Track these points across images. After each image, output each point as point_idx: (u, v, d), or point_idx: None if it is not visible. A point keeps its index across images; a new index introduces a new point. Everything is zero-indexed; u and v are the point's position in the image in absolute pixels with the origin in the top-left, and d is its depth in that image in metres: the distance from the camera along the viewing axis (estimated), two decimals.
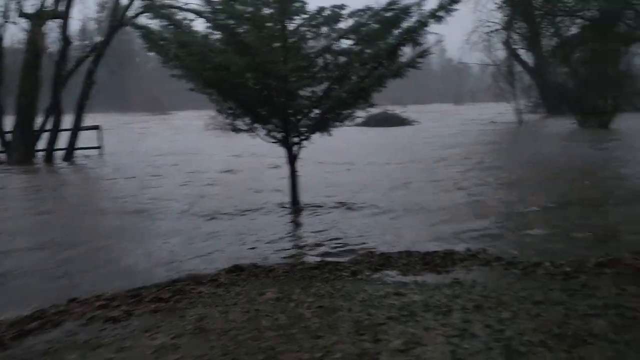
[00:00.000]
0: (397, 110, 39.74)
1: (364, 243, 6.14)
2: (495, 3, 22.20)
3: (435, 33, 7.69)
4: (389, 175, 11.89)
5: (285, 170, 8.29)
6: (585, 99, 25.50)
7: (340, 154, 16.08)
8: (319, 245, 6.22)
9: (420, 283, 4.60)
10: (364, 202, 8.54)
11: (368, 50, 7.70)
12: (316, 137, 8.32)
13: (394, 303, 4.03)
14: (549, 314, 3.73)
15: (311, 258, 5.58)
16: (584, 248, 5.76)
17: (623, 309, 3.78)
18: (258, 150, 8.64)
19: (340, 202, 8.47)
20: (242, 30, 6.88)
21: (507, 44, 34.54)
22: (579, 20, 16.61)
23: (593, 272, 4.70)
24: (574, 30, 17.19)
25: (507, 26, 26.62)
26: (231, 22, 6.70)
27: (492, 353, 3.13)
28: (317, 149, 9.74)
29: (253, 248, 6.09)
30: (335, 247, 6.06)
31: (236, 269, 5.00)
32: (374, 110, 34.88)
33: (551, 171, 12.27)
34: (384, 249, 5.71)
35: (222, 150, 16.95)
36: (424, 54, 7.54)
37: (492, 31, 32.30)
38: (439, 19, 7.38)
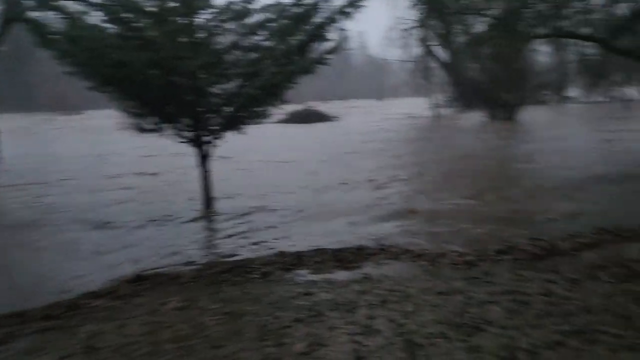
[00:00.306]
0: (321, 106, 40.11)
1: (277, 243, 6.04)
2: (410, 0, 22.83)
3: (345, 29, 7.71)
4: (304, 173, 11.83)
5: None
6: (494, 94, 26.96)
7: (259, 152, 15.88)
8: (230, 248, 6.05)
9: (331, 281, 4.57)
10: (278, 202, 8.45)
11: (280, 47, 7.59)
12: (235, 135, 8.10)
13: (302, 303, 3.97)
14: (450, 304, 3.82)
15: (222, 262, 5.39)
16: (488, 236, 6.00)
17: (517, 294, 3.96)
18: (179, 149, 8.21)
19: (254, 204, 8.34)
20: (141, 25, 6.52)
21: (422, 40, 35.82)
22: (485, 19, 17.43)
23: (493, 259, 4.91)
24: (481, 28, 18.04)
25: (422, 23, 27.55)
26: (129, 15, 6.32)
27: (393, 348, 3.15)
28: (233, 147, 9.51)
29: (161, 256, 5.79)
30: (248, 249, 5.91)
31: (138, 279, 4.72)
32: (296, 107, 34.94)
33: (463, 163, 12.80)
34: (297, 248, 5.63)
35: (138, 152, 16.14)
36: (333, 50, 7.55)
37: (408, 28, 33.33)
38: (347, 16, 7.42)
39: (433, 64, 37.51)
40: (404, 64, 38.53)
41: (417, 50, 37.64)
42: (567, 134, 18.21)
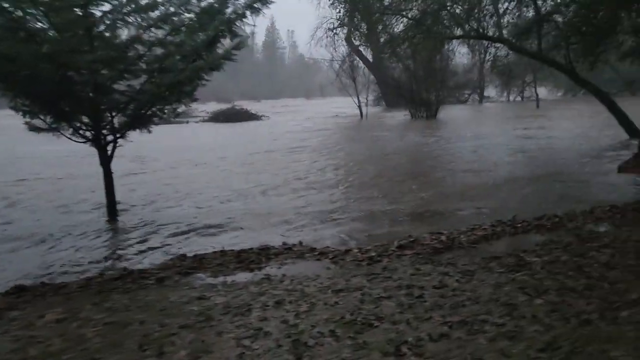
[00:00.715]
0: (250, 105, 39.63)
1: (181, 248, 5.78)
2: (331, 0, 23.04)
3: (253, 25, 7.54)
4: (220, 176, 11.52)
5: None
6: (416, 93, 27.82)
7: (175, 153, 15.38)
8: (128, 254, 5.73)
9: (229, 283, 4.41)
10: (187, 206, 8.16)
11: (188, 42, 7.29)
12: (149, 134, 7.73)
13: (193, 309, 3.78)
14: (345, 301, 3.78)
15: (113, 269, 5.08)
16: (394, 233, 6.08)
17: (413, 289, 3.99)
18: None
19: (161, 208, 8.00)
20: (27, 15, 6.02)
21: (348, 40, 36.33)
22: (404, 19, 17.90)
23: (395, 254, 4.95)
24: (400, 28, 18.51)
25: (347, 23, 27.86)
26: (6, 4, 5.80)
27: (281, 350, 3.05)
28: (149, 147, 9.07)
29: (49, 266, 5.36)
30: (147, 255, 5.62)
31: (18, 291, 4.32)
32: (222, 106, 34.09)
33: (381, 162, 13.02)
34: (200, 251, 5.42)
35: (48, 154, 15.04)
36: (239, 46, 7.36)
37: (334, 27, 33.66)
38: (256, 11, 7.26)
39: (358, 63, 38.23)
40: (331, 63, 38.95)
41: (342, 49, 38.23)
42: (481, 132, 19.03)
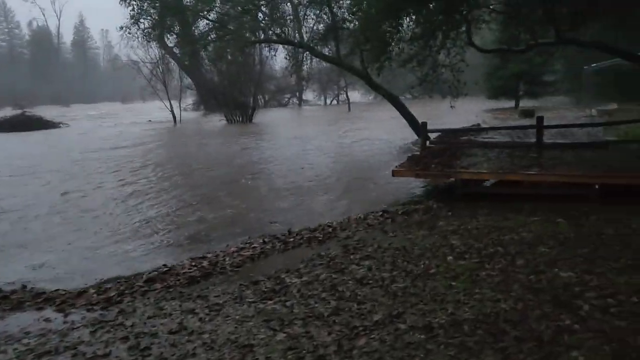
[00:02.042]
0: (57, 110, 35.02)
1: None
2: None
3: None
4: None
5: None
6: (230, 96, 27.26)
7: None
8: None
9: None
10: None
11: None
12: None
13: None
14: None
15: None
16: (153, 258, 5.31)
17: (143, 339, 3.28)
18: None
19: None
20: None
21: (160, 41, 34.23)
22: (207, 22, 17.15)
23: (140, 291, 4.19)
24: (205, 30, 17.71)
25: (159, 24, 26.05)
26: None
27: None
28: None
29: None
30: None
31: None
32: (7, 113, 29.40)
33: (182, 175, 12.03)
34: None
35: None
36: None
37: (146, 28, 31.35)
38: None
39: (174, 66, 36.37)
40: (144, 66, 36.40)
41: (157, 51, 35.96)
42: (290, 136, 19.19)
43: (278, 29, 15.55)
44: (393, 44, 11.39)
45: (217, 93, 28.14)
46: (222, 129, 24.68)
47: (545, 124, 9.97)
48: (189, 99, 37.06)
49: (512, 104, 31.52)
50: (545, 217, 5.73)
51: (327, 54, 16.26)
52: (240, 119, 27.03)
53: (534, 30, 10.31)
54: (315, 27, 16.04)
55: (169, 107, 29.48)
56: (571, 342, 2.83)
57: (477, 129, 12.05)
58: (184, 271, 4.56)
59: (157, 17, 18.96)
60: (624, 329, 2.93)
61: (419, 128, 14.02)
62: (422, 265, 4.32)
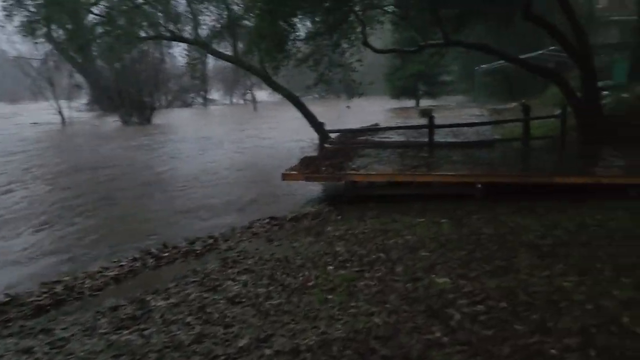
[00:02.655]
0: None
1: None
2: None
3: None
4: None
5: None
6: (128, 96, 25.71)
7: None
8: None
9: None
10: None
11: None
12: None
13: None
14: None
15: None
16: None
17: None
18: None
19: None
20: None
21: (48, 36, 31.50)
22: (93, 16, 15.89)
23: None
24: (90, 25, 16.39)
25: (47, 17, 23.82)
26: None
27: None
28: None
29: None
30: None
31: None
32: None
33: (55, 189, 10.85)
34: None
35: None
36: None
37: (32, 22, 28.59)
38: None
39: (65, 63, 33.70)
40: (39, 62, 33.35)
41: (46, 47, 33.08)
42: (193, 137, 18.43)
43: (171, 25, 14.74)
44: (289, 42, 11.15)
45: (111, 92, 26.39)
46: (114, 132, 23.10)
47: (442, 122, 10.28)
48: (77, 99, 34.35)
49: (413, 103, 32.77)
50: (432, 218, 5.74)
51: (225, 52, 15.67)
52: (138, 120, 25.56)
53: (424, 31, 10.56)
54: (211, 24, 15.39)
55: (60, 107, 27.09)
56: (439, 359, 2.70)
57: (374, 129, 12.18)
58: (31, 299, 3.95)
59: (34, 10, 17.29)
60: (490, 338, 2.86)
61: (318, 127, 14.01)
62: (301, 278, 4.08)
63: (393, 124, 17.84)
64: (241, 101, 49.53)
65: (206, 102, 47.18)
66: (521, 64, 10.26)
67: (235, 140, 17.02)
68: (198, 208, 7.79)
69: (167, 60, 29.53)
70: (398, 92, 33.24)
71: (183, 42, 15.15)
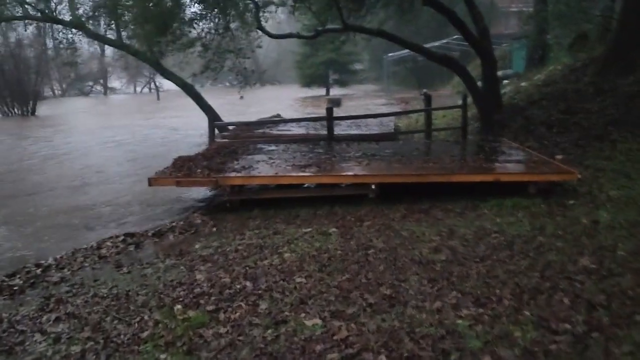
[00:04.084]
0: None
1: None
2: None
3: None
4: None
5: None
6: (8, 86, 22.83)
7: None
8: None
9: None
10: None
11: None
12: None
13: None
14: None
15: None
16: None
17: None
18: None
19: None
20: None
21: None
22: None
23: None
24: None
25: None
26: None
27: None
28: None
29: None
30: None
31: None
32: None
33: None
34: None
35: None
36: None
37: None
38: None
39: None
40: None
41: None
42: (74, 132, 16.55)
43: (41, 4, 12.86)
44: (174, 25, 9.93)
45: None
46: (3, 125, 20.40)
47: (347, 113, 9.59)
48: None
49: (324, 92, 32.24)
50: (320, 227, 4.99)
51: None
52: (19, 111, 22.82)
53: (323, 16, 9.81)
54: (90, 4, 13.62)
55: None
56: None
57: (273, 121, 11.26)
58: None
59: None
60: None
61: (216, 119, 12.89)
62: (137, 325, 3.12)
63: (299, 115, 17.10)
64: (146, 90, 46.58)
65: (106, 90, 43.84)
66: (420, 51, 9.82)
67: (126, 134, 15.41)
68: (44, 227, 6.49)
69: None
70: (309, 81, 32.55)
71: (56, 23, 13.29)
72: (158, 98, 31.91)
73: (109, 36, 13.87)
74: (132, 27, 11.31)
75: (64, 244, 5.32)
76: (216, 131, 9.61)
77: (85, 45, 29.83)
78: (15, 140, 15.39)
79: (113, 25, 12.99)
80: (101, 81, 43.53)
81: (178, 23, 9.86)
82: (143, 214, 6.55)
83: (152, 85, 44.49)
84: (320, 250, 4.26)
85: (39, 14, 13.08)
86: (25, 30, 19.80)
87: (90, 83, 43.38)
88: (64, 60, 15.38)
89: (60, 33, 13.72)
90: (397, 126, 12.00)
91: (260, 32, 10.77)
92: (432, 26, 24.93)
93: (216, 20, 9.50)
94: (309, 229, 4.95)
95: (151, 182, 5.83)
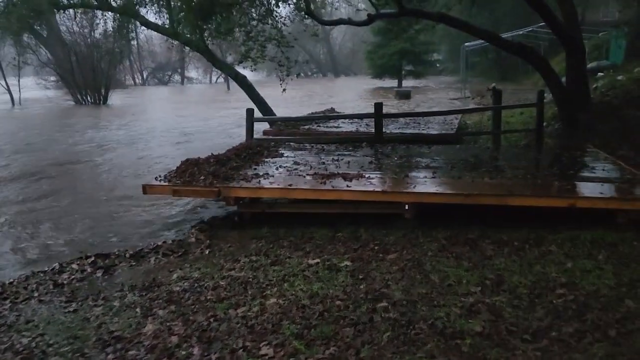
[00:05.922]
0: None
1: None
2: None
3: None
4: None
5: None
6: (78, 74, 23.49)
7: None
8: None
9: None
10: None
11: None
12: None
13: None
14: None
15: None
16: None
17: None
18: None
19: None
20: None
21: None
22: None
23: None
24: None
25: None
26: None
27: None
28: None
29: None
30: None
31: None
32: None
33: None
34: None
35: None
36: None
37: None
38: None
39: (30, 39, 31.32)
40: None
41: None
42: (140, 121, 16.47)
43: None
44: (218, 9, 9.18)
45: (62, 70, 24.26)
46: (57, 114, 20.84)
47: (419, 105, 8.41)
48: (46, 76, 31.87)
49: (395, 83, 30.65)
50: (331, 257, 3.95)
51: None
52: (92, 100, 23.47)
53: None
54: None
55: (4, 85, 24.69)
56: None
57: (319, 117, 10.19)
58: None
59: None
60: None
61: (268, 113, 12.10)
62: None
63: (363, 109, 15.95)
64: (221, 80, 47.19)
65: (183, 80, 44.89)
66: (491, 38, 8.37)
67: (178, 126, 15.04)
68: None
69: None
70: (379, 72, 31.06)
71: (109, 10, 13.04)
72: (228, 88, 31.90)
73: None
74: (180, 14, 10.74)
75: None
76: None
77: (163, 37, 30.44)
78: (74, 129, 15.50)
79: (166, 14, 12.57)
80: (179, 70, 44.58)
81: (219, 8, 9.09)
82: (161, 223, 5.73)
83: (225, 76, 44.95)
84: (317, 297, 3.23)
85: (95, 2, 12.92)
86: (75, 18, 20.09)
87: (169, 72, 44.57)
88: (124, 48, 15.22)
89: (117, 22, 13.54)
90: (463, 125, 10.56)
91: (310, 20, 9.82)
92: (519, 13, 22.68)
93: (258, 5, 8.65)
94: (317, 260, 3.92)
95: (146, 189, 5.03)
